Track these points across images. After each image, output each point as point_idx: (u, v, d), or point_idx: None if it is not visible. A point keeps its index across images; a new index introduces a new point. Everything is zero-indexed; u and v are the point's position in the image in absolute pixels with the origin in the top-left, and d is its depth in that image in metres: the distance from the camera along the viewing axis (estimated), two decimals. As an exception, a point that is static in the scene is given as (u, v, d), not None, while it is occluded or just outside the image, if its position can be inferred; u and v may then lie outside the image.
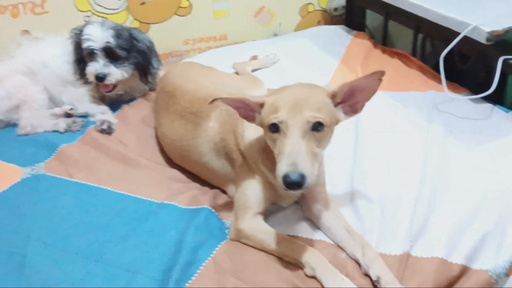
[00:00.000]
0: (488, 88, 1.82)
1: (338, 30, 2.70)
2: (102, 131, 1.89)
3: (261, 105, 1.27)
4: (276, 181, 1.19)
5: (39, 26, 2.29)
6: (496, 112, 1.87)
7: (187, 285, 1.23)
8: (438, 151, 1.64)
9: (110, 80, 1.93)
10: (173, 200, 1.52)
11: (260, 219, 1.40)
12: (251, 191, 1.40)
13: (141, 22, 2.47)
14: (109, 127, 1.90)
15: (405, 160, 1.61)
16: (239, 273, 1.26)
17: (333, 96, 1.26)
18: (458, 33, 1.90)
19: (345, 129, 1.68)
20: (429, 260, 1.28)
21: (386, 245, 1.32)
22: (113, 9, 2.41)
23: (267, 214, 1.45)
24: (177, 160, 1.71)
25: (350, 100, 1.28)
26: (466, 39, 1.89)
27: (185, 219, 1.43)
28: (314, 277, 1.24)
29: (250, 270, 1.27)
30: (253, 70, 2.30)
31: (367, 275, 1.25)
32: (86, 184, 1.62)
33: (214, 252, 1.33)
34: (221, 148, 1.52)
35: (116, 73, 1.93)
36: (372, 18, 2.72)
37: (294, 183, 1.13)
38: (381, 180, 1.54)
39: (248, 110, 1.31)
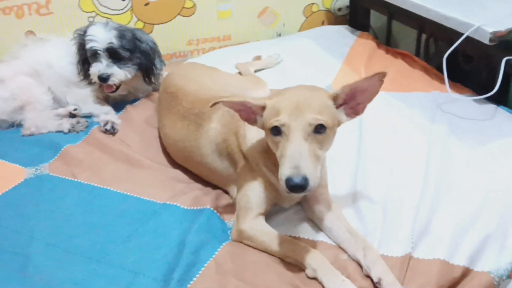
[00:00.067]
0: (492, 88, 1.81)
1: (342, 30, 2.70)
2: (106, 132, 1.90)
3: (263, 107, 1.27)
4: (279, 183, 1.19)
5: (44, 27, 2.31)
6: (500, 112, 1.86)
7: (188, 286, 1.23)
8: (441, 151, 1.64)
9: (113, 80, 1.94)
10: (175, 200, 1.53)
11: (261, 220, 1.40)
12: (253, 192, 1.40)
13: (145, 22, 2.48)
14: (113, 128, 1.91)
15: (408, 161, 1.61)
16: (241, 274, 1.27)
17: (334, 98, 1.26)
18: (462, 34, 1.90)
19: (348, 129, 1.68)
20: (431, 262, 1.28)
21: (388, 247, 1.32)
22: (118, 10, 2.42)
23: (269, 215, 1.45)
24: (179, 160, 1.72)
25: (351, 101, 1.28)
26: (469, 39, 1.88)
27: (187, 220, 1.44)
28: (315, 279, 1.24)
29: (251, 271, 1.28)
30: (256, 71, 2.31)
31: (368, 276, 1.25)
32: (90, 185, 1.63)
33: (216, 253, 1.33)
34: (223, 149, 1.52)
35: (119, 74, 1.94)
36: (376, 18, 2.72)
37: (297, 186, 1.13)
38: (383, 181, 1.54)
39: (250, 113, 1.31)
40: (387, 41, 2.57)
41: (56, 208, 1.52)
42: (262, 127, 1.29)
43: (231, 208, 1.51)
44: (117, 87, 2.00)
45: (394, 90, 2.02)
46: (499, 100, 1.90)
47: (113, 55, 1.92)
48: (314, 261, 1.25)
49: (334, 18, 2.85)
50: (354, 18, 2.76)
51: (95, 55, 1.93)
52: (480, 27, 1.84)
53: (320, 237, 1.40)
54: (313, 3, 2.76)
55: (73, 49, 1.99)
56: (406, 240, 1.32)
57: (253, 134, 1.43)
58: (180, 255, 1.31)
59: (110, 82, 1.94)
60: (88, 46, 1.91)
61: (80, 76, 2.01)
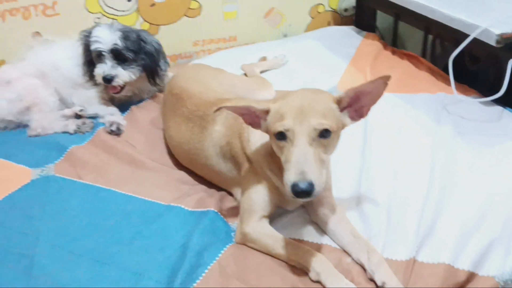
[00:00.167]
0: (498, 90, 1.80)
1: (348, 31, 2.69)
2: (111, 132, 1.91)
3: (266, 111, 1.27)
4: (283, 187, 1.19)
5: (50, 28, 2.31)
6: (506, 114, 1.85)
7: (192, 288, 1.24)
8: (446, 153, 1.63)
9: (118, 81, 1.95)
10: (180, 202, 1.53)
11: (265, 223, 1.40)
12: (257, 195, 1.40)
13: (150, 23, 2.49)
14: (118, 129, 1.92)
15: (413, 164, 1.60)
16: (244, 277, 1.27)
17: (338, 101, 1.25)
18: (468, 35, 1.88)
19: (353, 131, 1.67)
20: (436, 266, 1.27)
21: (392, 250, 1.32)
22: (123, 11, 2.43)
23: (273, 217, 1.45)
24: (184, 162, 1.72)
25: (355, 104, 1.27)
26: (475, 40, 1.87)
27: (191, 222, 1.44)
28: (319, 282, 1.24)
29: (255, 273, 1.28)
30: (262, 72, 2.30)
31: (372, 280, 1.25)
32: (95, 186, 1.63)
33: (219, 255, 1.34)
34: (227, 151, 1.52)
35: (124, 75, 1.95)
36: (383, 19, 2.71)
37: (303, 192, 1.13)
38: (388, 184, 1.53)
39: (254, 117, 1.30)
40: (393, 42, 2.57)
41: (62, 210, 1.53)
42: (266, 131, 1.29)
43: (235, 210, 1.51)
44: (122, 88, 2.00)
45: (400, 91, 2.01)
46: (506, 101, 1.89)
47: (118, 56, 1.93)
48: (318, 264, 1.25)
49: (340, 18, 2.84)
50: (360, 19, 2.75)
51: (100, 56, 1.93)
52: (487, 29, 1.82)
53: (324, 240, 1.40)
54: (319, 4, 2.76)
55: (79, 51, 2.00)
56: (410, 243, 1.32)
57: (257, 137, 1.42)
58: (184, 257, 1.31)
59: (114, 83, 1.95)
60: (93, 47, 1.92)
61: (85, 78, 2.02)
